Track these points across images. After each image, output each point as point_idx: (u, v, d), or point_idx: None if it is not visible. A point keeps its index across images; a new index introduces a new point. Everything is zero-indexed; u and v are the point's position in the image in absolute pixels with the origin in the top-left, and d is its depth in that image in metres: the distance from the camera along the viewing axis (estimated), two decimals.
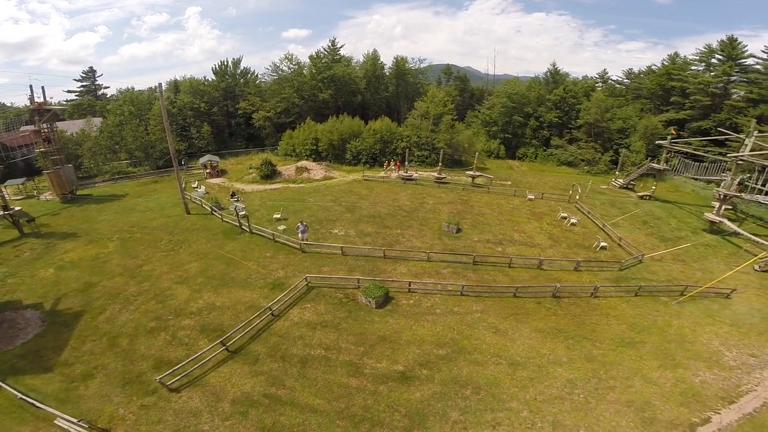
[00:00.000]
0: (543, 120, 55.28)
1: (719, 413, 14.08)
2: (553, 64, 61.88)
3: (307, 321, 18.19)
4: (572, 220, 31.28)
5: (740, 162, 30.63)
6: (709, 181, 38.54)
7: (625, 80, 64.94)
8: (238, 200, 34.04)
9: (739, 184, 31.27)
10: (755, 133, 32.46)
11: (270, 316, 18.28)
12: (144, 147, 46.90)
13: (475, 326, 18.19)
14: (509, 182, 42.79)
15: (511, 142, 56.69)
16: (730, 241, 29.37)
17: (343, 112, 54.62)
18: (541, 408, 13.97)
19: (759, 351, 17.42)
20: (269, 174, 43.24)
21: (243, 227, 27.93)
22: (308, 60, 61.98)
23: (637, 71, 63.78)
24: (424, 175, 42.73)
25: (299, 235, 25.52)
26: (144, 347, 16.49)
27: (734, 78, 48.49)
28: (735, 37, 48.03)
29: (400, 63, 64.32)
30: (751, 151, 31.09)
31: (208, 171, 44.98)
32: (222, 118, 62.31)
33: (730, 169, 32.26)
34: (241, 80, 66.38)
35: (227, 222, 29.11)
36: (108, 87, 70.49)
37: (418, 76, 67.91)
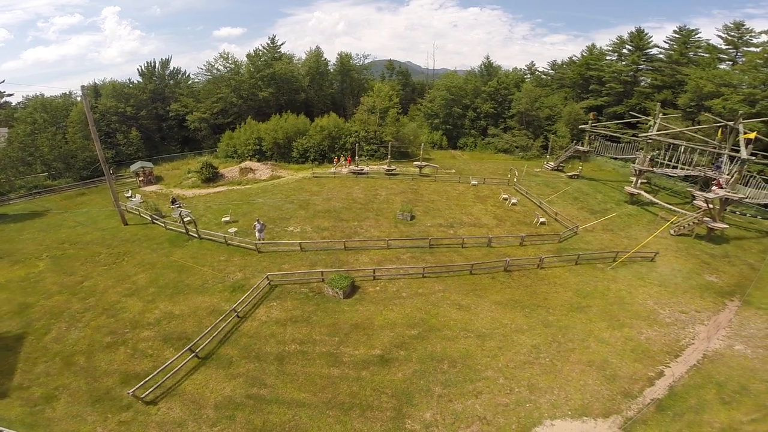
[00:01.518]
0: (480, 111, 58.87)
1: (669, 367, 15.99)
2: (487, 58, 66.08)
3: (276, 319, 18.30)
4: (513, 201, 34.19)
5: (650, 141, 35.41)
6: (626, 160, 43.89)
7: (550, 71, 71.12)
8: (180, 206, 32.62)
9: (651, 160, 36.11)
10: (660, 115, 37.79)
11: (236, 318, 18.12)
12: (64, 157, 42.75)
13: (440, 305, 19.48)
14: (453, 170, 45.32)
15: (452, 133, 59.71)
16: (648, 210, 33.91)
17: (285, 111, 53.99)
18: (514, 374, 15.39)
19: (687, 308, 20.23)
20: (211, 177, 41.78)
21: (190, 233, 27.02)
22: (246, 58, 60.13)
23: (560, 62, 70.25)
24: (374, 168, 43.84)
25: (256, 234, 25.32)
26: (105, 363, 15.69)
27: (642, 66, 55.28)
28: (642, 29, 54.80)
29: (344, 59, 64.74)
30: (657, 131, 36.13)
31: (141, 179, 42.33)
32: (152, 121, 58.48)
33: (642, 148, 37.18)
34: (171, 81, 62.82)
35: (172, 230, 27.95)
36: (12, 94, 62.76)
37: (362, 72, 68.73)
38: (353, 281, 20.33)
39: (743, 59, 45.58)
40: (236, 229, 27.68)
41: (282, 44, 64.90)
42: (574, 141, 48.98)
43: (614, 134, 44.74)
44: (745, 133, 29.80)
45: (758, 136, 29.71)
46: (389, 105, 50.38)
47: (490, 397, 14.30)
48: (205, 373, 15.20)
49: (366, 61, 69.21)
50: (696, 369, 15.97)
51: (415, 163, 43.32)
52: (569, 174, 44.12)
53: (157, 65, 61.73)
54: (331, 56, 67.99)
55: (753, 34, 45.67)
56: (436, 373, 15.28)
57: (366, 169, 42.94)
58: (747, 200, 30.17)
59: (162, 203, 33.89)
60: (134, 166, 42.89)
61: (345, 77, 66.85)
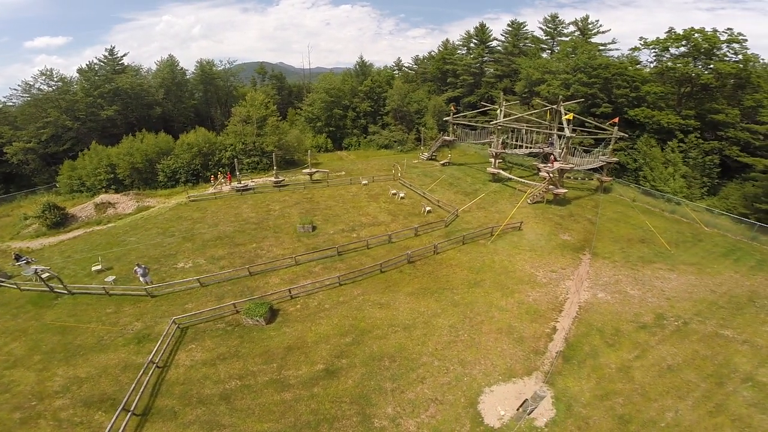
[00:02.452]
0: (359, 110, 62.07)
1: (558, 321, 19.67)
2: (361, 57, 69.39)
3: (202, 360, 17.82)
4: (401, 195, 37.87)
5: (499, 127, 42.65)
6: (483, 144, 51.80)
7: (414, 66, 78.22)
8: (28, 261, 27.60)
9: (503, 143, 43.52)
10: (504, 103, 45.63)
11: (156, 369, 17.24)
12: None
13: (363, 308, 21.18)
14: (343, 172, 47.34)
15: (336, 134, 61.84)
16: (508, 186, 40.99)
17: (139, 130, 48.74)
18: (444, 355, 17.83)
19: (555, 267, 25.11)
20: (59, 221, 35.77)
21: (56, 290, 23.56)
22: (77, 74, 52.08)
23: (422, 57, 77.88)
24: (260, 181, 43.03)
25: (140, 279, 23.37)
26: None
27: (486, 58, 65.07)
28: (484, 23, 64.24)
29: (205, 67, 60.85)
30: (504, 117, 43.66)
31: None
32: None
33: (493, 133, 44.51)
34: None
35: (29, 290, 23.95)
36: None
37: (229, 79, 65.52)
38: (271, 306, 20.56)
39: (558, 48, 57.55)
40: (114, 276, 24.99)
41: (124, 55, 58.04)
42: (441, 132, 55.49)
43: (470, 123, 52.36)
44: (565, 114, 38.36)
45: (574, 115, 38.56)
46: (266, 113, 49.57)
47: (433, 379, 16.59)
48: (153, 429, 14.70)
49: (231, 66, 66.18)
50: (578, 320, 20.24)
51: (304, 170, 43.92)
52: (442, 162, 50.10)
53: None
54: (188, 64, 63.13)
55: (564, 25, 57.90)
56: (381, 371, 17.00)
57: (251, 183, 41.92)
58: (576, 167, 39.03)
59: (2, 262, 28.33)
60: None
61: (208, 86, 63.08)
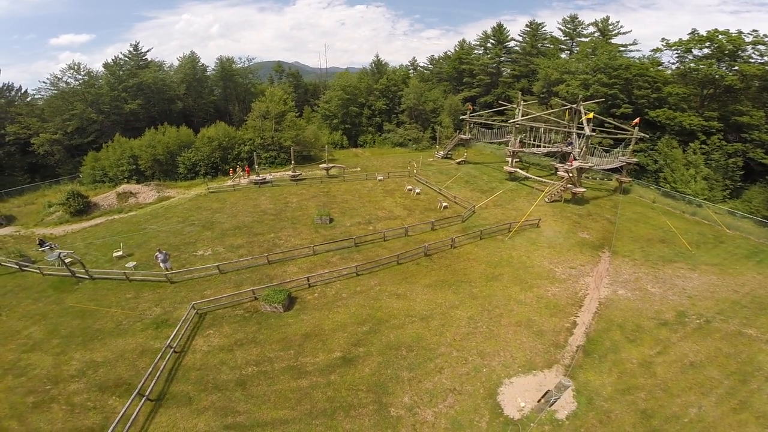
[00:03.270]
0: (374, 108, 61.84)
1: (578, 316, 19.20)
2: (377, 56, 69.28)
3: (219, 346, 17.64)
4: (416, 191, 37.46)
5: (517, 126, 41.95)
6: (500, 143, 51.08)
7: (429, 66, 77.71)
8: (52, 247, 27.96)
9: (521, 142, 42.80)
10: (522, 102, 44.92)
11: (174, 354, 17.10)
12: None
13: (380, 298, 20.85)
14: (359, 168, 47.14)
15: (351, 132, 61.62)
16: (525, 185, 40.25)
17: (161, 123, 49.26)
18: (463, 346, 17.43)
19: (573, 263, 24.67)
20: (82, 208, 36.30)
21: (78, 275, 23.74)
22: (103, 68, 53.04)
23: (437, 57, 77.30)
24: (277, 175, 43.06)
25: (161, 265, 23.42)
26: (44, 423, 13.95)
27: (503, 58, 64.24)
28: (502, 24, 63.55)
29: (225, 64, 61.32)
30: (522, 116, 42.93)
31: None
32: None
33: (511, 132, 43.80)
34: (2, 100, 52.26)
35: (51, 275, 24.20)
36: None
37: (247, 76, 65.93)
38: (289, 293, 20.37)
39: (577, 49, 56.52)
40: (135, 262, 25.10)
41: (148, 51, 59.04)
42: (457, 130, 54.91)
43: (487, 122, 51.71)
44: (585, 113, 37.51)
45: (595, 115, 37.68)
46: (285, 109, 49.66)
47: (451, 370, 16.18)
48: (166, 415, 14.34)
49: (250, 64, 66.63)
50: (598, 315, 19.75)
51: (321, 165, 43.86)
52: (457, 160, 49.51)
53: None
54: (207, 62, 63.62)
55: (583, 26, 56.86)
56: (398, 360, 16.64)
57: (269, 177, 41.98)
58: (595, 167, 38.13)
59: (26, 247, 28.69)
60: None
61: (228, 82, 63.50)
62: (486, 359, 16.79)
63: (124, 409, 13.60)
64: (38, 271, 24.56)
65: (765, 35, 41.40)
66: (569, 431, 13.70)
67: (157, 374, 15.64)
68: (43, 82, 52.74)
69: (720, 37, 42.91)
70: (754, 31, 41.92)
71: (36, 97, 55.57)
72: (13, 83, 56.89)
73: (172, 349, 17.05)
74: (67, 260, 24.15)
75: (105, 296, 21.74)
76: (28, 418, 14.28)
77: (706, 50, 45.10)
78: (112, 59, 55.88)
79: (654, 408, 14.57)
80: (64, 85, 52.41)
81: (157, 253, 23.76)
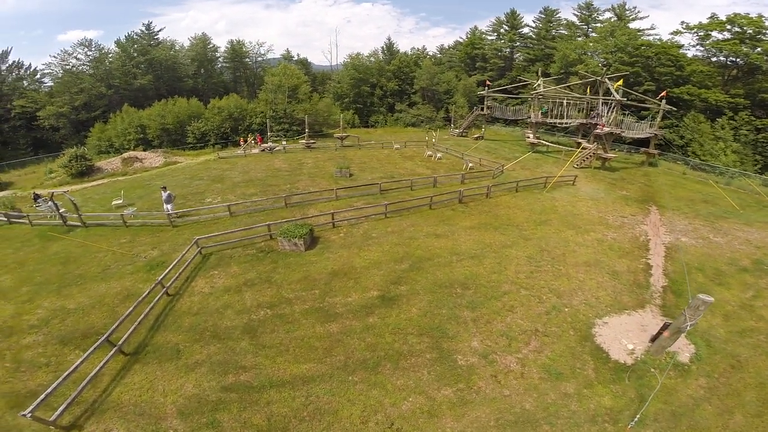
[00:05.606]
0: (386, 89, 58.40)
1: (649, 259, 16.40)
2: (389, 38, 66.20)
3: (224, 287, 13.84)
4: (438, 156, 33.98)
5: (540, 97, 38.59)
6: (517, 121, 47.80)
7: (438, 54, 74.64)
8: (47, 200, 24.43)
9: (543, 113, 39.40)
10: (542, 78, 41.77)
11: (165, 296, 13.23)
12: None
13: (417, 238, 17.33)
14: (373, 141, 43.66)
15: (363, 111, 58.21)
16: (549, 155, 36.80)
17: (170, 99, 45.97)
18: (531, 283, 14.03)
19: (623, 213, 21.61)
20: (84, 171, 32.75)
21: (69, 223, 20.12)
22: (114, 45, 50.03)
23: (446, 46, 74.38)
24: (289, 147, 39.57)
25: (165, 206, 19.83)
26: None
27: (517, 43, 61.10)
28: (515, 10, 60.44)
29: (236, 47, 58.15)
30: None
31: None
32: None
33: (530, 107, 40.46)
34: (12, 76, 49.08)
35: (41, 224, 20.55)
36: None
37: (258, 60, 62.81)
38: (312, 229, 16.72)
39: (593, 33, 53.54)
40: (135, 209, 21.56)
41: (160, 30, 55.83)
42: (474, 107, 51.58)
43: (510, 95, 48.32)
44: (612, 84, 34.24)
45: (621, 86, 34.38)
46: (298, 82, 46.28)
47: (525, 309, 12.66)
48: (143, 373, 10.28)
49: (262, 50, 63.49)
50: (669, 258, 16.57)
51: (336, 135, 40.41)
52: (474, 136, 46.14)
53: None
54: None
55: (599, 12, 54.01)
56: (453, 298, 13.06)
57: (280, 145, 38.44)
58: (625, 133, 34.72)
59: (21, 204, 25.16)
60: None
61: (238, 65, 60.31)
62: (564, 298, 13.28)
63: (77, 363, 9.42)
64: (27, 222, 20.92)
65: None
66: (701, 377, 10.19)
67: (138, 320, 11.63)
68: (53, 56, 49.67)
69: (741, 20, 40.05)
70: None
71: (45, 72, 52.37)
72: (22, 60, 53.76)
73: (164, 290, 13.14)
74: (61, 211, 20.67)
75: (96, 242, 17.98)
76: None
77: (726, 34, 42.12)
78: (125, 36, 52.86)
79: None
80: (75, 61, 49.42)
81: (162, 191, 20.21)
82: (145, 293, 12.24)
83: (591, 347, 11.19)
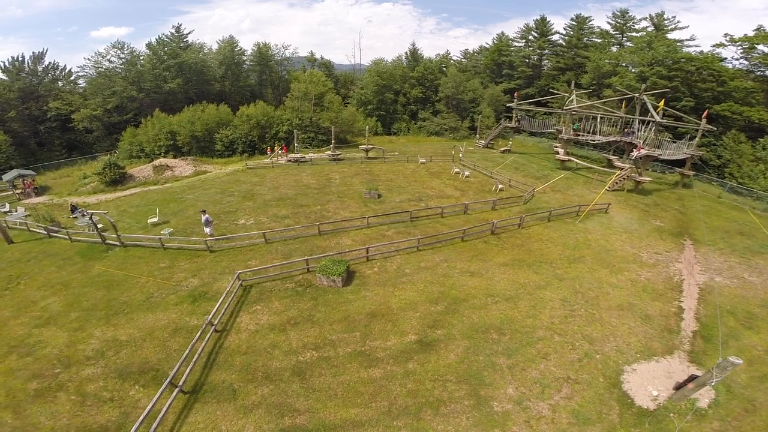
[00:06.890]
0: (409, 96, 58.05)
1: (682, 301, 16.19)
2: (413, 44, 65.40)
3: (269, 324, 14.23)
4: (465, 174, 33.62)
5: (573, 113, 37.67)
6: (543, 133, 46.80)
7: (462, 60, 73.61)
8: (84, 214, 25.30)
9: (575, 130, 38.49)
10: (574, 92, 40.63)
11: (214, 333, 13.67)
12: None
13: (451, 275, 17.32)
14: (397, 152, 43.55)
15: (386, 119, 58.04)
16: (579, 174, 35.98)
17: (199, 103, 46.76)
18: (564, 329, 14.10)
19: (658, 249, 20.94)
20: (117, 179, 33.79)
21: (108, 242, 20.81)
22: (145, 48, 51.08)
23: (471, 51, 73.16)
24: (315, 156, 39.86)
25: (205, 230, 20.32)
26: (45, 417, 10.61)
27: (546, 51, 59.70)
28: (545, 17, 59.01)
29: (263, 49, 58.62)
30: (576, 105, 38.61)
31: (19, 191, 32.67)
32: (24, 124, 46.52)
33: (560, 121, 39.48)
34: (48, 77, 50.80)
35: (79, 241, 21.30)
36: None
37: (283, 63, 63.25)
38: (348, 265, 16.88)
39: (628, 43, 51.76)
40: (171, 229, 22.11)
41: (189, 32, 56.74)
42: (501, 118, 50.76)
43: (539, 109, 47.35)
44: (649, 102, 33.14)
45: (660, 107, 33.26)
46: (324, 90, 46.44)
47: (558, 356, 12.78)
48: (204, 412, 10.84)
49: (287, 53, 63.81)
50: (702, 301, 16.29)
51: (360, 146, 40.48)
52: (501, 149, 45.42)
53: (26, 60, 49.40)
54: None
55: (635, 21, 52.08)
56: (489, 344, 13.20)
57: (308, 156, 38.77)
58: (661, 156, 33.63)
59: (58, 214, 26.10)
60: (8, 176, 32.89)
61: (264, 68, 60.84)
62: (596, 345, 13.37)
63: (151, 405, 9.99)
64: (66, 237, 21.73)
65: None
66: (715, 421, 10.65)
67: (194, 359, 12.18)
68: (87, 58, 51.07)
69: None
70: None
71: (80, 74, 53.98)
72: (57, 62, 55.57)
73: (213, 327, 13.61)
74: (99, 226, 21.38)
75: (136, 265, 18.64)
76: (27, 409, 10.98)
77: None
78: (156, 39, 53.95)
79: None
80: (108, 63, 50.73)
81: (201, 213, 20.74)
82: (198, 334, 12.80)
83: (618, 394, 11.61)
